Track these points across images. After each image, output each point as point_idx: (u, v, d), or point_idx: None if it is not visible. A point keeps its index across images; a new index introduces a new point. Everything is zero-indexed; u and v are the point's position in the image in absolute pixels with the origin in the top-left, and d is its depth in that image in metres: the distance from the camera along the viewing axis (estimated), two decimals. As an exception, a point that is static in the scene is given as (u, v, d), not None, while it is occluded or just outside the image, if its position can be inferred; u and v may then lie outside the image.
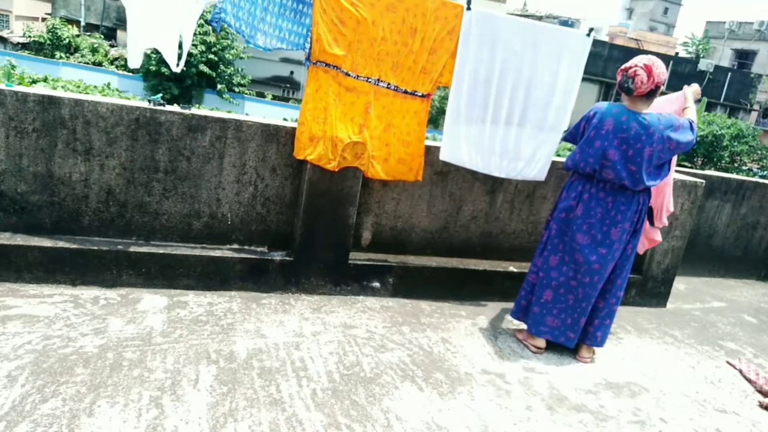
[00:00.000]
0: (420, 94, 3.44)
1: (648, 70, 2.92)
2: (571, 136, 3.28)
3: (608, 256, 3.12)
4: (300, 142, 3.36)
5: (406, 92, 3.42)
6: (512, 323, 3.61)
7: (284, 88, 27.07)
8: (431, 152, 3.64)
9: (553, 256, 3.23)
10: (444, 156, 3.60)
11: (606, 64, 28.70)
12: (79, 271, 3.14)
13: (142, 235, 3.37)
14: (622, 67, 3.02)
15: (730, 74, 32.32)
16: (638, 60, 2.98)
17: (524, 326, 3.44)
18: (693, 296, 4.87)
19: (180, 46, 3.19)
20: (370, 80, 3.35)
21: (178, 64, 3.21)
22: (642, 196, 3.12)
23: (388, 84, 3.38)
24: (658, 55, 22.95)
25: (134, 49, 3.17)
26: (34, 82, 16.71)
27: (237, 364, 2.65)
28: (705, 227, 5.28)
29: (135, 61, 3.18)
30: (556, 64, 3.53)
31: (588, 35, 3.56)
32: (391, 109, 3.42)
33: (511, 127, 3.59)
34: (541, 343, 3.30)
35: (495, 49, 3.43)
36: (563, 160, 4.28)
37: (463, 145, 3.58)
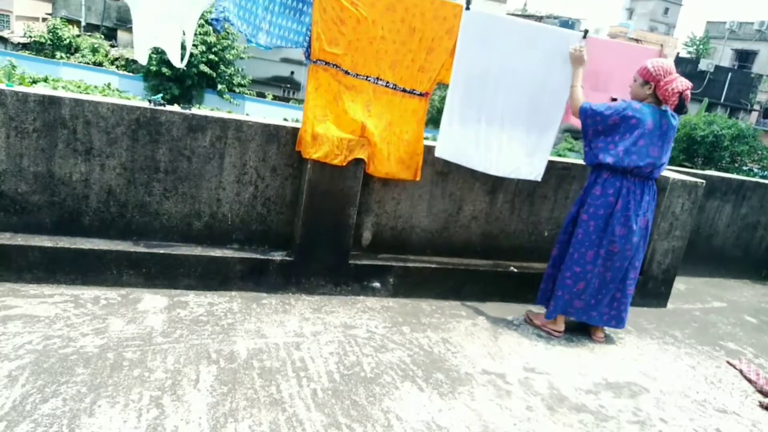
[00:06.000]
0: (418, 92, 3.45)
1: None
2: (593, 128, 3.30)
3: (639, 242, 3.39)
4: (305, 141, 3.36)
5: (404, 90, 3.44)
6: (527, 311, 3.77)
7: (285, 89, 27.07)
8: (431, 152, 3.64)
9: (590, 252, 3.37)
10: (439, 152, 3.60)
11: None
12: (80, 271, 3.14)
13: (142, 235, 3.37)
14: (680, 90, 3.13)
15: (730, 74, 32.32)
16: (687, 83, 3.16)
17: (540, 312, 3.67)
18: (693, 296, 4.87)
19: (183, 45, 3.22)
20: (369, 79, 3.37)
21: (182, 60, 3.23)
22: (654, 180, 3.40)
23: (387, 82, 3.40)
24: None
25: (140, 46, 3.22)
26: (34, 82, 16.73)
27: (237, 364, 2.65)
28: (705, 227, 5.28)
29: (142, 57, 3.26)
30: (553, 65, 3.55)
31: (584, 37, 3.58)
32: (391, 107, 3.44)
33: (507, 126, 3.60)
34: (561, 326, 3.55)
35: (492, 49, 3.44)
36: (563, 160, 4.29)
37: (459, 143, 3.59)
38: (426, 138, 3.67)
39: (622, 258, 3.37)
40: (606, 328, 3.65)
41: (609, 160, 3.23)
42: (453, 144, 3.59)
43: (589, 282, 3.42)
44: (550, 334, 3.53)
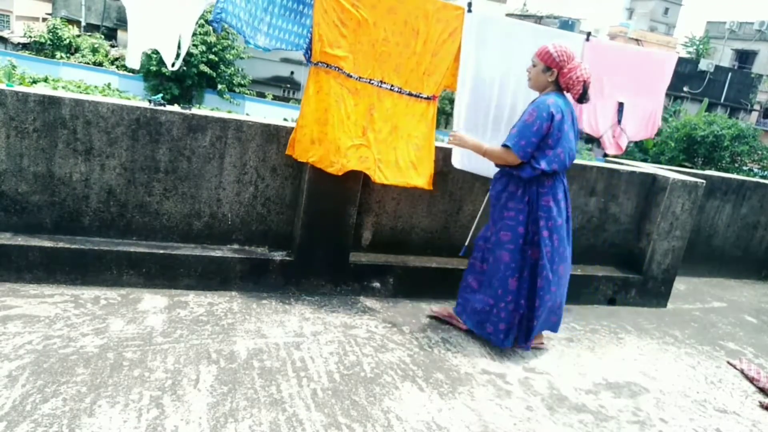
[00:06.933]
0: (425, 96, 3.40)
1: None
2: (529, 141, 2.95)
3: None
4: (301, 144, 3.32)
5: (410, 94, 3.38)
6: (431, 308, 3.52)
7: (284, 89, 27.06)
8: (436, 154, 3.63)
9: (563, 265, 3.16)
10: (455, 163, 3.62)
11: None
12: (80, 271, 3.14)
13: (142, 235, 3.37)
14: (584, 78, 2.95)
15: (730, 74, 32.30)
16: (589, 72, 2.98)
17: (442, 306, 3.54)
18: (693, 296, 4.87)
19: (179, 46, 3.20)
20: (372, 82, 3.31)
21: (174, 64, 3.20)
22: None
23: (392, 86, 3.34)
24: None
25: (134, 49, 3.18)
26: (34, 82, 16.75)
27: (237, 364, 2.65)
28: (705, 227, 5.28)
29: (134, 62, 3.20)
30: None
31: (587, 39, 3.59)
32: (396, 111, 3.37)
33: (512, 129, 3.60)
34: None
35: (496, 53, 3.44)
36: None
37: (470, 151, 3.58)
38: (442, 140, 3.66)
39: (565, 261, 3.23)
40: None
41: (553, 166, 2.97)
42: (467, 153, 3.56)
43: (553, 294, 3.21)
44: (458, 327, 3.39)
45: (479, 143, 3.16)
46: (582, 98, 3.00)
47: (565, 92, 3.06)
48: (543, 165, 2.96)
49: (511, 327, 3.16)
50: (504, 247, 3.10)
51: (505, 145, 3.00)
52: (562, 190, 3.10)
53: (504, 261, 3.10)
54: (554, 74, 2.99)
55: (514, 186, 3.08)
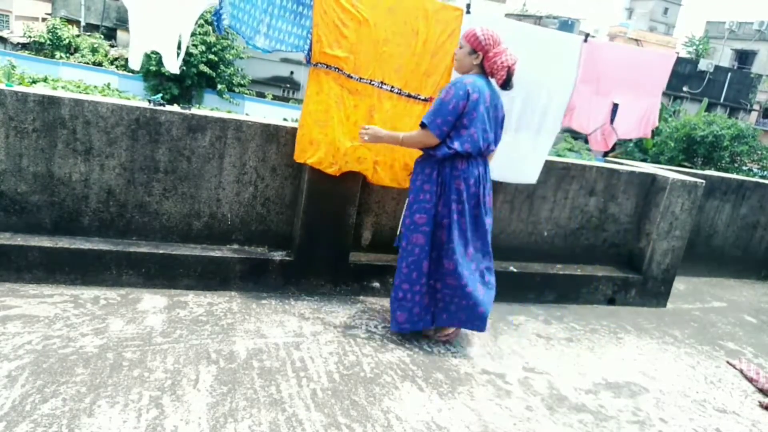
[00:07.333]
0: (422, 97, 3.40)
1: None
2: (445, 120, 2.91)
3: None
4: (300, 145, 3.33)
5: (409, 95, 3.38)
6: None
7: (284, 89, 27.05)
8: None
9: (470, 250, 3.08)
10: None
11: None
12: (79, 271, 3.14)
13: (142, 235, 3.37)
14: (509, 64, 2.91)
15: (730, 74, 32.31)
16: (515, 58, 2.94)
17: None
18: (693, 296, 4.87)
19: (179, 46, 3.20)
20: (373, 83, 3.30)
21: (175, 66, 3.21)
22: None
23: (392, 87, 3.34)
24: (658, 55, 22.89)
25: (135, 51, 3.19)
26: (34, 82, 16.74)
27: (237, 364, 2.65)
28: (705, 227, 5.28)
29: (136, 63, 3.21)
30: (553, 69, 3.56)
31: (585, 41, 3.59)
32: (395, 113, 3.37)
33: (510, 132, 3.60)
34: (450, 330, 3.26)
35: None
36: (563, 160, 4.30)
37: None
38: None
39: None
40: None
41: (466, 146, 2.91)
42: None
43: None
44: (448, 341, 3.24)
45: (394, 133, 3.09)
46: (506, 85, 2.96)
47: (490, 77, 3.01)
48: (456, 145, 2.92)
49: (423, 310, 3.10)
50: (419, 229, 3.05)
51: (422, 125, 2.97)
52: (476, 176, 3.00)
53: (419, 244, 3.05)
54: (479, 57, 2.95)
55: (429, 168, 3.04)
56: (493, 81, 3.02)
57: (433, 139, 2.94)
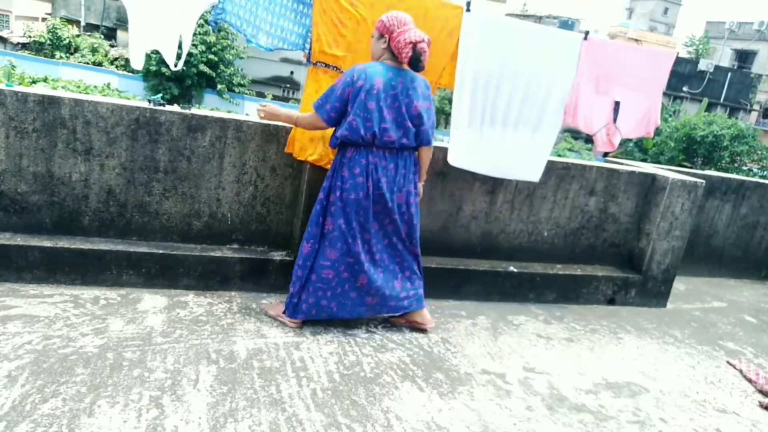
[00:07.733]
0: None
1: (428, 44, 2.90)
2: (333, 105, 2.89)
3: (400, 219, 3.09)
4: (300, 143, 3.34)
5: None
6: (262, 302, 3.36)
7: (284, 88, 27.05)
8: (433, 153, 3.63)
9: (357, 241, 3.02)
10: (452, 161, 3.61)
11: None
12: (79, 271, 3.14)
13: (142, 235, 3.37)
14: (413, 40, 2.81)
15: (730, 74, 32.30)
16: (422, 35, 2.85)
17: (276, 302, 3.31)
18: (693, 296, 4.87)
19: (180, 46, 3.20)
20: None
21: (176, 64, 3.21)
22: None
23: None
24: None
25: (136, 50, 3.19)
26: (34, 82, 16.73)
27: (237, 364, 2.65)
28: (705, 227, 5.28)
29: (137, 63, 3.21)
30: (553, 66, 3.56)
31: (585, 38, 3.60)
32: None
33: (510, 128, 3.61)
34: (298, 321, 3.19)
35: (494, 51, 3.44)
36: (563, 160, 4.30)
37: (468, 149, 3.59)
38: (441, 140, 3.66)
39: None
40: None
41: (344, 132, 2.86)
42: (464, 151, 3.57)
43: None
44: (286, 324, 3.12)
45: (291, 113, 3.09)
46: (415, 64, 2.87)
47: (402, 63, 2.92)
48: (338, 131, 2.91)
49: (295, 294, 3.08)
50: (313, 212, 3.06)
51: (314, 108, 2.97)
52: (362, 165, 2.92)
53: (309, 226, 3.07)
54: (386, 41, 2.89)
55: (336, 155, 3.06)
56: (409, 69, 2.92)
57: (321, 123, 2.94)
